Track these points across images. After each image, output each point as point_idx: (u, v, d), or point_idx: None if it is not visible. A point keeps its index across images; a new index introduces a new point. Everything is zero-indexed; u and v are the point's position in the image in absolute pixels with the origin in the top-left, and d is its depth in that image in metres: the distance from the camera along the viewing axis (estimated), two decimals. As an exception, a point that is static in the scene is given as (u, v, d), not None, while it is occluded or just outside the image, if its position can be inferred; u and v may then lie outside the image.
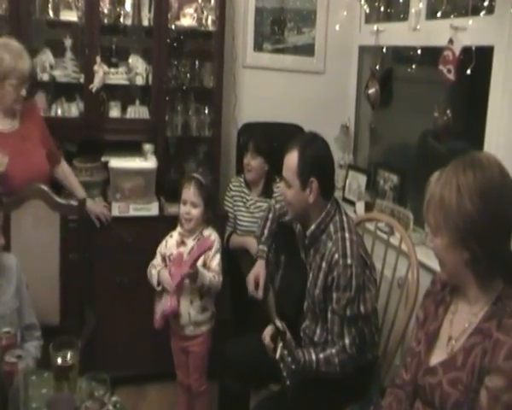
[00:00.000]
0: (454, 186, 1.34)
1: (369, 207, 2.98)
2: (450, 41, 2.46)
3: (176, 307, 2.29)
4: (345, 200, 3.29)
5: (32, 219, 2.16)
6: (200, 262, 2.29)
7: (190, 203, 2.35)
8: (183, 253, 2.31)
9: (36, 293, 1.97)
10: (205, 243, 2.27)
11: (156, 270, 2.37)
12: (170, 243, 2.43)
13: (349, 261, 1.87)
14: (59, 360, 1.49)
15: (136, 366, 2.85)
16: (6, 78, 2.29)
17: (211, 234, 2.38)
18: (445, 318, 1.50)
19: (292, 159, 1.93)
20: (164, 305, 2.30)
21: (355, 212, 3.02)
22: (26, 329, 1.85)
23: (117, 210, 2.77)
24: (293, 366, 1.72)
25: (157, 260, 2.42)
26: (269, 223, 2.37)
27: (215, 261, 2.34)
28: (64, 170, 2.69)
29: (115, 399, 1.52)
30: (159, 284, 2.34)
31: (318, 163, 1.94)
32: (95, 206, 2.73)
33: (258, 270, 2.27)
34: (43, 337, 1.89)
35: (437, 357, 1.47)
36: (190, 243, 2.37)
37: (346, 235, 1.92)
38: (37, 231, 2.16)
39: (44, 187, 2.20)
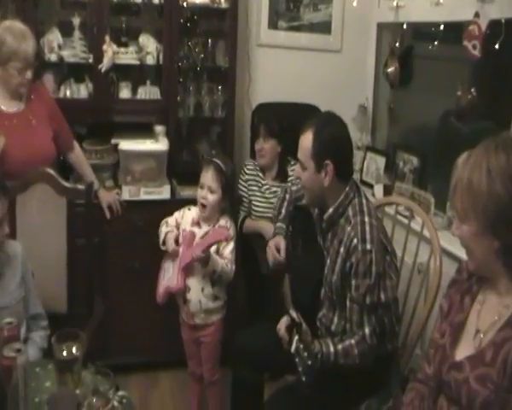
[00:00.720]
0: (484, 169, 1.22)
1: (387, 190, 2.86)
2: (476, 15, 2.29)
3: (182, 286, 2.19)
4: (362, 182, 3.16)
5: (37, 203, 2.06)
6: (212, 249, 2.18)
7: (207, 188, 2.24)
8: (196, 234, 2.21)
9: (42, 280, 1.88)
10: (221, 233, 2.15)
11: (166, 229, 2.29)
12: (186, 217, 2.33)
13: (368, 247, 1.75)
14: (62, 353, 1.41)
15: (148, 353, 2.76)
16: (9, 60, 2.20)
17: (226, 222, 2.27)
18: (472, 309, 1.38)
19: (306, 140, 1.82)
20: (169, 281, 2.20)
21: (373, 195, 2.89)
22: (32, 319, 1.77)
23: (127, 194, 2.67)
24: (310, 362, 1.61)
25: (171, 220, 2.33)
26: (286, 203, 2.26)
27: (228, 249, 2.23)
28: (78, 156, 2.59)
29: (122, 393, 1.43)
30: (164, 243, 2.27)
31: (334, 145, 1.82)
32: (107, 195, 2.64)
33: (278, 240, 2.15)
34: (50, 326, 1.81)
35: (463, 351, 1.35)
36: (205, 227, 2.27)
37: (366, 219, 1.81)
38: (43, 216, 2.06)
39: (50, 171, 2.09)
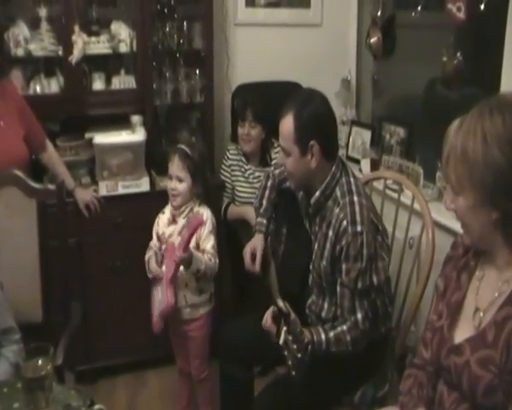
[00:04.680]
0: (479, 135, 1.08)
1: (375, 164, 2.72)
2: (460, -25, 2.14)
3: (173, 302, 2.01)
4: (349, 158, 3.02)
5: (5, 208, 1.88)
6: (192, 244, 2.02)
7: (175, 177, 2.07)
8: (175, 242, 2.04)
9: (14, 290, 1.71)
10: (194, 221, 1.97)
11: (148, 254, 2.13)
12: (161, 221, 2.18)
13: (359, 228, 1.61)
14: (31, 371, 1.27)
15: (134, 353, 2.62)
16: None
17: (203, 212, 2.10)
18: (470, 286, 1.26)
19: (287, 125, 1.66)
20: (161, 303, 2.03)
21: (360, 170, 2.76)
22: (3, 333, 1.59)
23: (104, 189, 2.49)
24: (299, 355, 1.47)
25: (153, 241, 2.18)
26: (267, 192, 2.09)
27: (209, 243, 2.07)
28: (51, 156, 2.40)
29: (98, 407, 1.30)
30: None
31: (317, 124, 1.66)
32: (84, 193, 2.46)
33: (256, 242, 2.00)
34: (25, 338, 1.64)
35: (462, 333, 1.23)
36: (181, 221, 2.10)
37: (355, 198, 1.67)
38: (12, 221, 1.88)
39: (17, 172, 1.90)
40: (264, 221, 2.06)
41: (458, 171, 1.13)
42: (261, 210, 2.09)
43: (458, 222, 1.24)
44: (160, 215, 2.21)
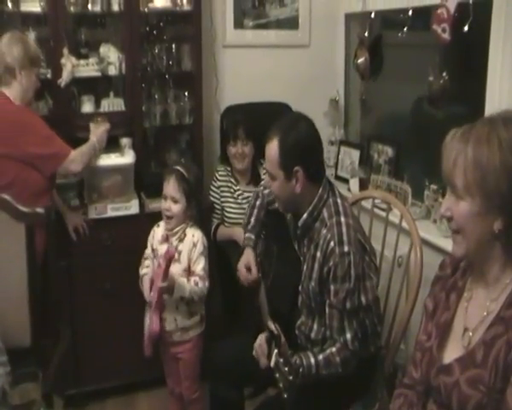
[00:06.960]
0: (495, 143, 1.11)
1: (363, 183, 2.76)
2: (444, -3, 2.20)
3: (157, 329, 2.01)
4: (338, 178, 3.06)
5: (-7, 231, 1.90)
6: (182, 267, 2.03)
7: (170, 198, 2.09)
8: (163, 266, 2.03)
9: (2, 314, 1.71)
10: (166, 253, 1.96)
11: (142, 271, 2.14)
12: (156, 236, 2.19)
13: (346, 249, 1.63)
14: (17, 397, 1.27)
15: (124, 376, 2.61)
16: (34, 64, 2.09)
17: (194, 234, 2.11)
18: (459, 306, 1.27)
19: (272, 150, 1.69)
20: (149, 328, 2.04)
21: (349, 190, 2.79)
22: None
23: (94, 212, 2.50)
24: (291, 377, 1.48)
25: (148, 251, 2.19)
26: (256, 210, 2.13)
27: (200, 265, 2.08)
28: None
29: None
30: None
31: (301, 149, 1.68)
32: (73, 217, 2.48)
33: (248, 257, 2.02)
34: (12, 362, 1.63)
35: (452, 353, 1.24)
36: (174, 242, 2.12)
37: (342, 219, 1.69)
38: (0, 244, 1.91)
39: (5, 196, 1.92)
40: (253, 236, 2.09)
41: (469, 176, 1.13)
42: (249, 227, 2.12)
43: (450, 235, 1.23)
44: (155, 228, 2.22)
